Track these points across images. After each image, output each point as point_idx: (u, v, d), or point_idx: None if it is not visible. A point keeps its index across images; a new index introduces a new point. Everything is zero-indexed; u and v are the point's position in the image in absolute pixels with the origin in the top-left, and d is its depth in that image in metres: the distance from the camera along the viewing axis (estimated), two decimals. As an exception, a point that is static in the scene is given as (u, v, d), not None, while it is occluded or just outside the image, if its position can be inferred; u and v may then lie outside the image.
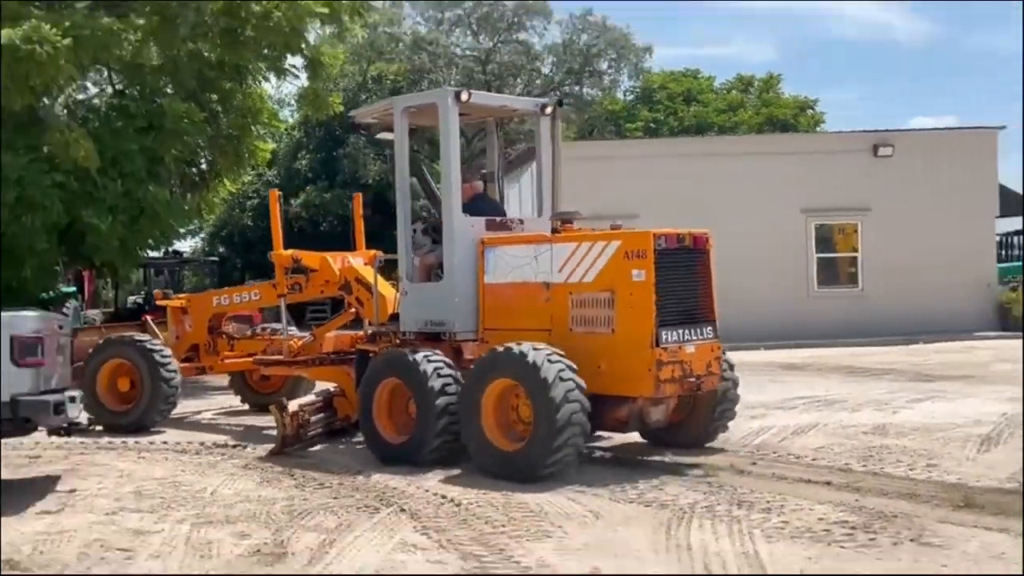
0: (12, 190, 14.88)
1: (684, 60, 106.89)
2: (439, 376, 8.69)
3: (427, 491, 7.77)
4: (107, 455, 10.06)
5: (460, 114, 9.59)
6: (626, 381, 8.32)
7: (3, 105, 15.12)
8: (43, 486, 8.41)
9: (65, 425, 7.98)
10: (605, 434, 9.42)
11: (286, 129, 40.98)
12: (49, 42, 14.43)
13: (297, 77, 19.38)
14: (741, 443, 9.60)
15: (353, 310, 11.30)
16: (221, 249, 45.00)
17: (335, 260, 11.31)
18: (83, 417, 8.22)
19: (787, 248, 23.04)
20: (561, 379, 7.85)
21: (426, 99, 10.12)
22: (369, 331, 10.37)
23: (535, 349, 8.06)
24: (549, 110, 10.14)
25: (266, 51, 18.24)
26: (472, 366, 8.76)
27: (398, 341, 9.74)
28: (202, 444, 10.50)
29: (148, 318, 13.55)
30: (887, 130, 24.67)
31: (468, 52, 42.41)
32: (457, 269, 9.34)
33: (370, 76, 40.23)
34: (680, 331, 8.38)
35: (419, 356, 8.83)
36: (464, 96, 9.30)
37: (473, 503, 7.30)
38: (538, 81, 43.18)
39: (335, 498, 7.66)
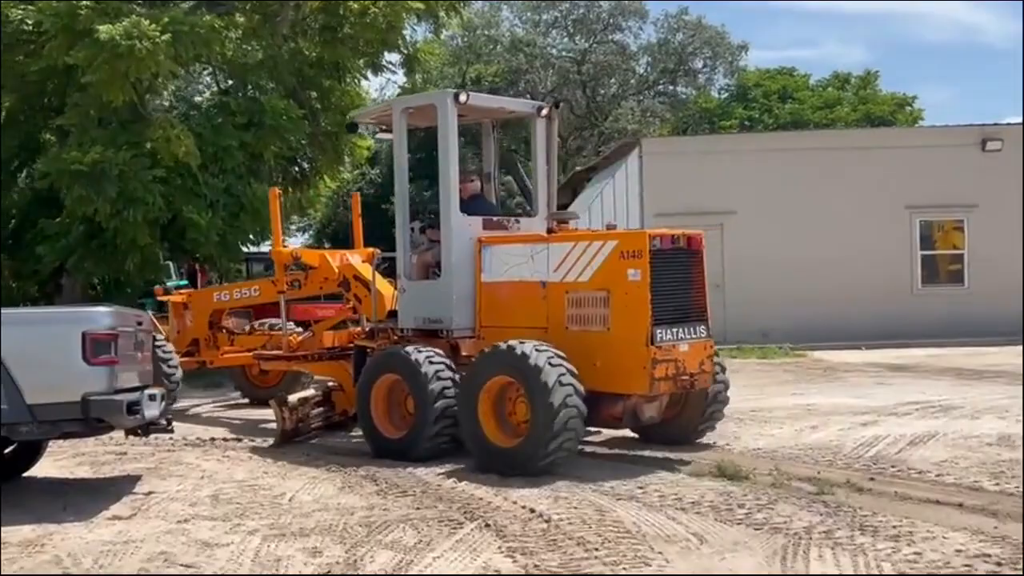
0: (114, 185, 15.07)
1: (777, 61, 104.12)
2: (439, 379, 8.80)
3: (514, 503, 7.24)
4: (193, 453, 9.82)
5: (459, 115, 9.67)
6: (621, 378, 8.43)
7: (104, 101, 15.18)
8: (121, 487, 8.13)
9: (143, 425, 7.70)
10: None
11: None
12: (148, 38, 14.53)
13: (394, 73, 19.15)
14: (854, 454, 8.90)
15: (351, 306, 11.34)
16: (327, 245, 45.23)
17: (334, 258, 11.35)
18: (163, 416, 7.97)
19: (890, 245, 21.95)
20: (561, 383, 7.91)
21: (425, 100, 10.20)
22: (367, 327, 10.52)
23: (537, 350, 8.09)
24: (546, 112, 10.17)
25: (363, 48, 18.06)
26: (472, 360, 8.84)
27: (396, 337, 9.86)
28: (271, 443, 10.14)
29: (150, 313, 13.53)
30: (995, 124, 23.44)
31: (564, 53, 42.46)
32: (455, 267, 9.42)
33: (469, 78, 40.43)
34: (674, 330, 8.48)
35: (421, 356, 8.92)
36: (463, 98, 9.43)
37: (564, 519, 6.73)
38: (632, 80, 42.93)
39: (417, 508, 7.17)
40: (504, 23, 42.16)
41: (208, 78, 22.64)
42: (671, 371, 8.37)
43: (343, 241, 43.85)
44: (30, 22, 15.88)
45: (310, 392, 10.71)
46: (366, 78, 19.69)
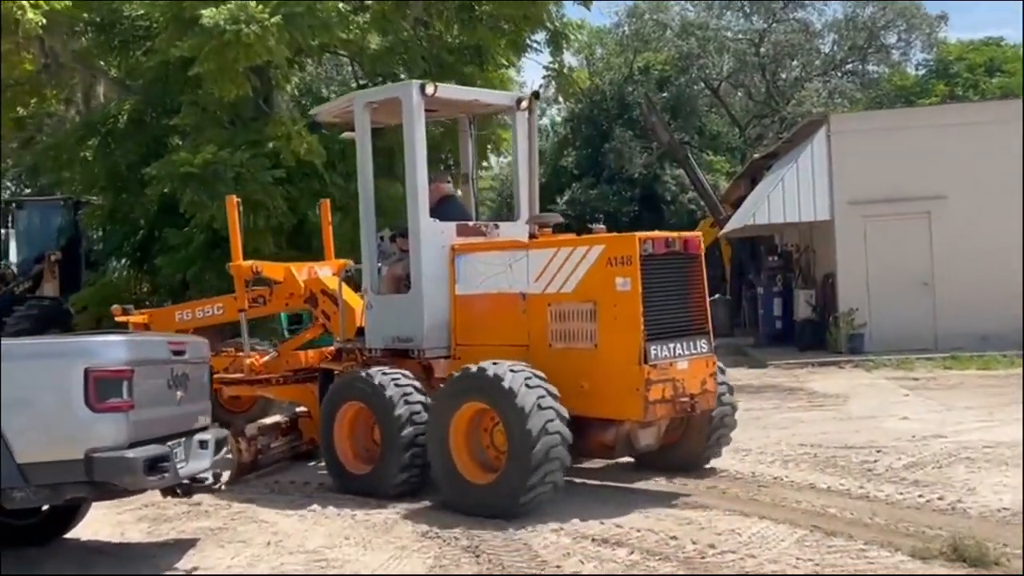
0: (229, 188, 13.89)
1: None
2: (406, 403, 8.01)
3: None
4: (274, 505, 8.17)
5: (428, 110, 8.87)
6: (611, 402, 7.63)
7: (219, 97, 14.68)
8: (167, 557, 6.89)
9: (181, 483, 6.43)
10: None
11: (552, 127, 40.87)
12: (256, 21, 13.57)
13: (539, 52, 17.72)
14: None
15: (321, 324, 10.26)
16: None
17: (300, 271, 10.32)
18: (213, 468, 6.59)
19: None
20: (540, 407, 7.14)
21: (389, 94, 9.19)
22: (334, 347, 9.64)
23: (512, 371, 7.32)
24: (525, 104, 9.32)
25: (505, 27, 16.73)
26: (440, 387, 8.05)
27: (363, 359, 9.04)
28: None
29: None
30: None
31: (740, 35, 39.85)
32: (425, 279, 8.55)
33: (636, 67, 38.87)
34: (671, 345, 7.65)
35: (385, 379, 8.15)
36: (429, 90, 8.56)
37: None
38: (817, 61, 40.28)
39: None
40: (674, 7, 39.90)
41: (339, 70, 21.82)
42: (668, 392, 7.54)
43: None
44: (141, 12, 15.42)
45: (274, 420, 9.81)
46: (511, 64, 18.40)
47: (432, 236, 8.55)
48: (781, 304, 20.92)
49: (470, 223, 8.99)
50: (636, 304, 7.41)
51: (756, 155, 25.38)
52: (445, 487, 7.65)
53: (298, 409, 9.93)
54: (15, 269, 19.58)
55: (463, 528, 7.04)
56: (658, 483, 8.28)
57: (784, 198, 18.81)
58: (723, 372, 8.51)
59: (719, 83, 39.29)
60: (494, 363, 7.44)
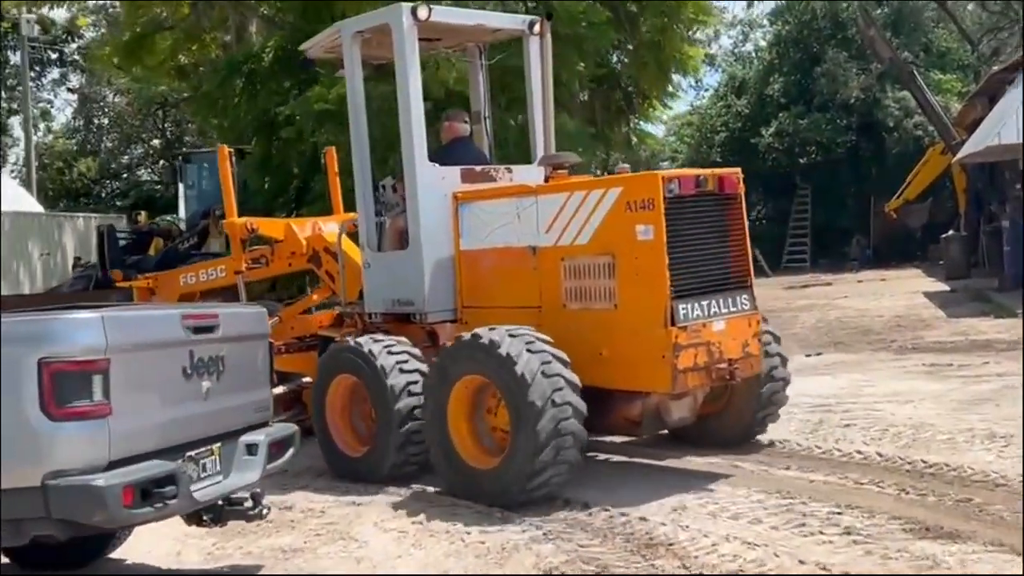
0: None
1: None
2: (401, 371, 7.09)
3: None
4: (374, 515, 6.54)
5: (426, 39, 8.01)
6: (635, 371, 6.56)
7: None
8: None
9: (208, 509, 5.05)
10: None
11: (756, 52, 37.34)
12: None
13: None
14: None
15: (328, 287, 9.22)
16: None
17: (302, 227, 9.24)
18: (252, 488, 5.10)
19: None
20: (545, 375, 6.18)
21: (377, 20, 8.00)
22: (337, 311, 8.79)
23: (511, 336, 6.36)
24: (538, 28, 8.22)
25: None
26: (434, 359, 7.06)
27: (363, 325, 8.12)
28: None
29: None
30: None
31: None
32: (424, 233, 7.54)
33: None
34: (705, 303, 6.55)
35: (377, 346, 7.22)
36: (422, 13, 7.48)
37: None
38: None
39: None
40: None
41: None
42: (703, 359, 6.46)
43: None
44: None
45: (275, 391, 8.75)
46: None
47: (431, 183, 7.50)
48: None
49: (477, 168, 7.87)
50: (660, 256, 6.31)
51: (995, 68, 22.94)
52: (445, 471, 6.73)
53: (304, 380, 8.94)
54: (182, 225, 18.71)
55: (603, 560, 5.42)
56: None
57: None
58: (777, 340, 7.37)
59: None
60: (491, 328, 6.47)
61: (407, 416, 6.97)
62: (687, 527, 5.73)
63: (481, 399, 6.66)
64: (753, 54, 39.45)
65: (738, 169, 6.99)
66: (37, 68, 34.64)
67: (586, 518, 6.06)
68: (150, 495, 4.32)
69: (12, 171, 35.09)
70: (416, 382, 7.03)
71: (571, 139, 12.57)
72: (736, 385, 7.03)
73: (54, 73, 37.98)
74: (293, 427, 5.62)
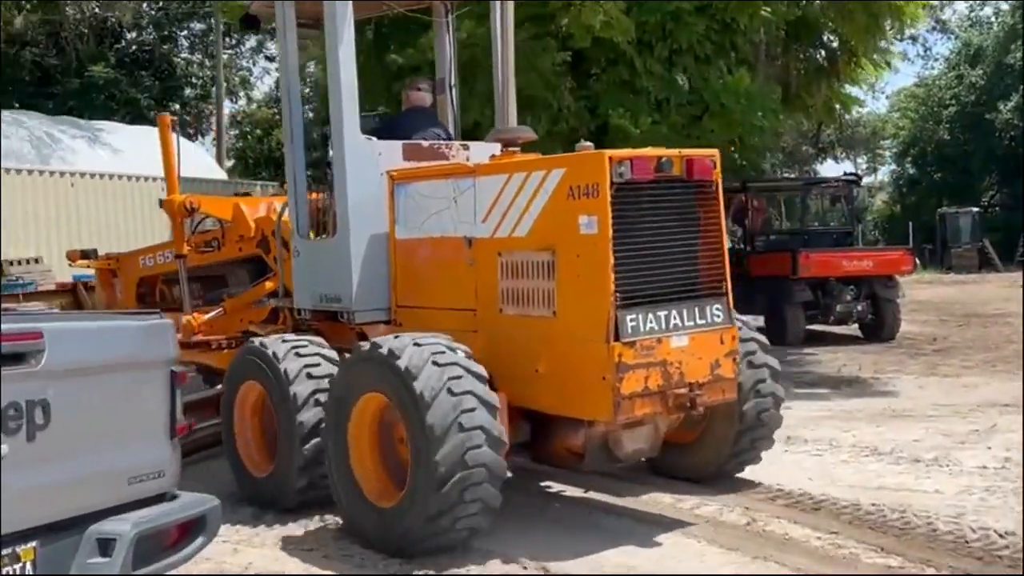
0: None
1: None
2: (309, 377, 6.04)
3: None
4: (244, 561, 5.48)
5: None
6: (571, 394, 5.42)
7: None
8: None
9: None
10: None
11: (997, 15, 33.47)
12: None
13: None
14: None
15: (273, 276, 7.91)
16: (912, 170, 38.13)
17: (255, 208, 8.03)
18: None
19: None
20: (451, 392, 5.09)
21: None
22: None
23: (416, 344, 5.27)
24: None
25: None
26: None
27: (292, 323, 7.14)
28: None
29: (80, 285, 10.46)
30: None
31: None
32: (353, 218, 6.37)
33: None
34: (662, 314, 5.38)
35: (283, 347, 6.17)
36: None
37: None
38: None
39: None
40: None
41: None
42: (656, 382, 5.29)
43: (932, 163, 34.15)
44: None
45: (204, 394, 7.64)
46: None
47: (363, 160, 6.38)
48: None
49: (425, 143, 6.71)
50: (604, 254, 5.15)
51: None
52: (345, 507, 5.62)
53: None
54: None
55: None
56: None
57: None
58: (764, 349, 6.22)
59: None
60: (396, 336, 5.42)
61: (312, 431, 5.90)
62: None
63: (390, 423, 5.53)
64: (992, 18, 35.71)
65: (714, 151, 5.70)
66: (236, 36, 34.59)
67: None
68: None
69: (215, 139, 35.03)
70: (326, 390, 5.96)
71: (750, 101, 10.90)
72: (718, 408, 5.83)
73: (251, 41, 37.96)
74: (210, 501, 3.95)
